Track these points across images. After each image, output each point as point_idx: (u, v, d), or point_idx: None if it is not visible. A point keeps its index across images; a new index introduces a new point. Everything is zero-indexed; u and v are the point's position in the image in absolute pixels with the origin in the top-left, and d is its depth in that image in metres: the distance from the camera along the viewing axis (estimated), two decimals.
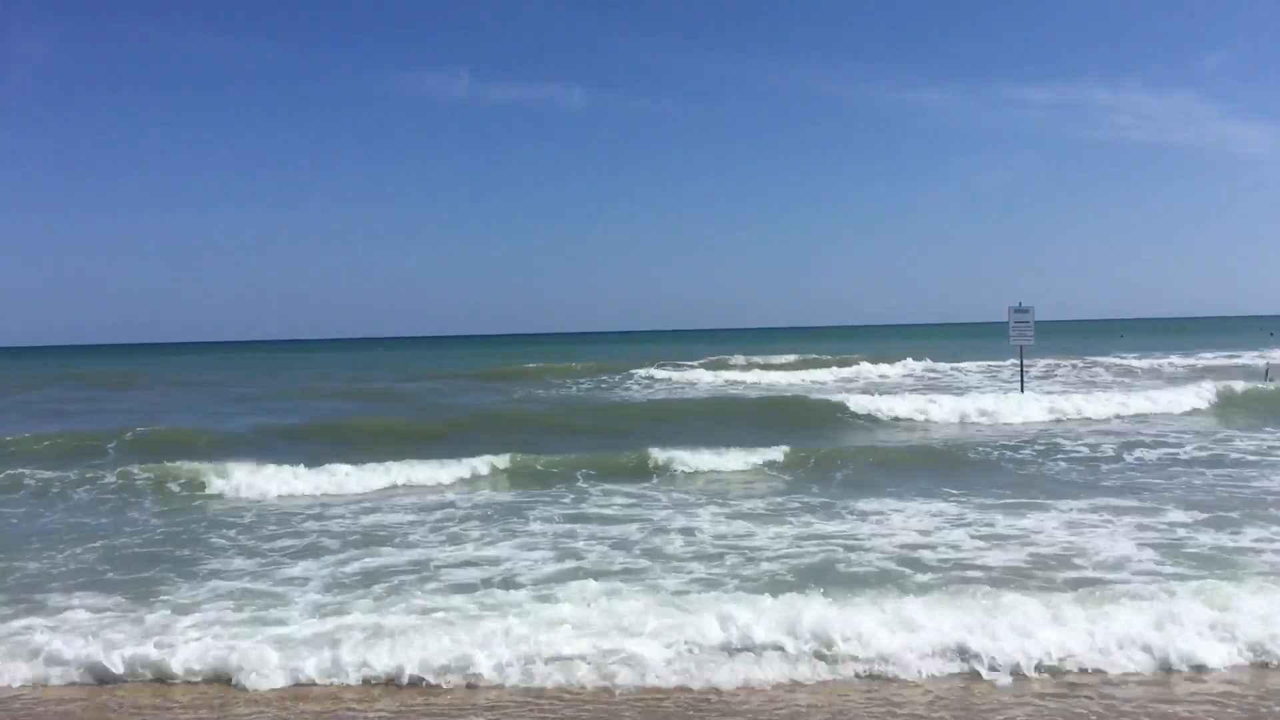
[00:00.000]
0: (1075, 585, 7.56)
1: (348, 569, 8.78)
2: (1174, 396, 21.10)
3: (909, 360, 37.45)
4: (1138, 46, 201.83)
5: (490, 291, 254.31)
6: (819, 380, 33.44)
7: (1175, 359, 37.71)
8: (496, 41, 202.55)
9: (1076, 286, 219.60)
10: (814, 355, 43.16)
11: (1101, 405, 20.51)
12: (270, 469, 13.54)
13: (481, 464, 13.96)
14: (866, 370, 35.61)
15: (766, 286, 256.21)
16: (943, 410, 20.23)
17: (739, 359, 43.45)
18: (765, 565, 8.54)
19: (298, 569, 8.84)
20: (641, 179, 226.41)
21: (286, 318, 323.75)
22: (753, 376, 35.09)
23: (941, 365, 36.66)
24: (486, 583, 8.13)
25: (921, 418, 20.02)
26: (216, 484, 13.13)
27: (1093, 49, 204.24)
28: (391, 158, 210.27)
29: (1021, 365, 25.14)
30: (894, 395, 22.69)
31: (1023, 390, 23.30)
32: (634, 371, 37.10)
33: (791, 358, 42.20)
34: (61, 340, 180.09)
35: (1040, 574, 8.06)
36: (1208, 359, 38.40)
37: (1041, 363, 35.42)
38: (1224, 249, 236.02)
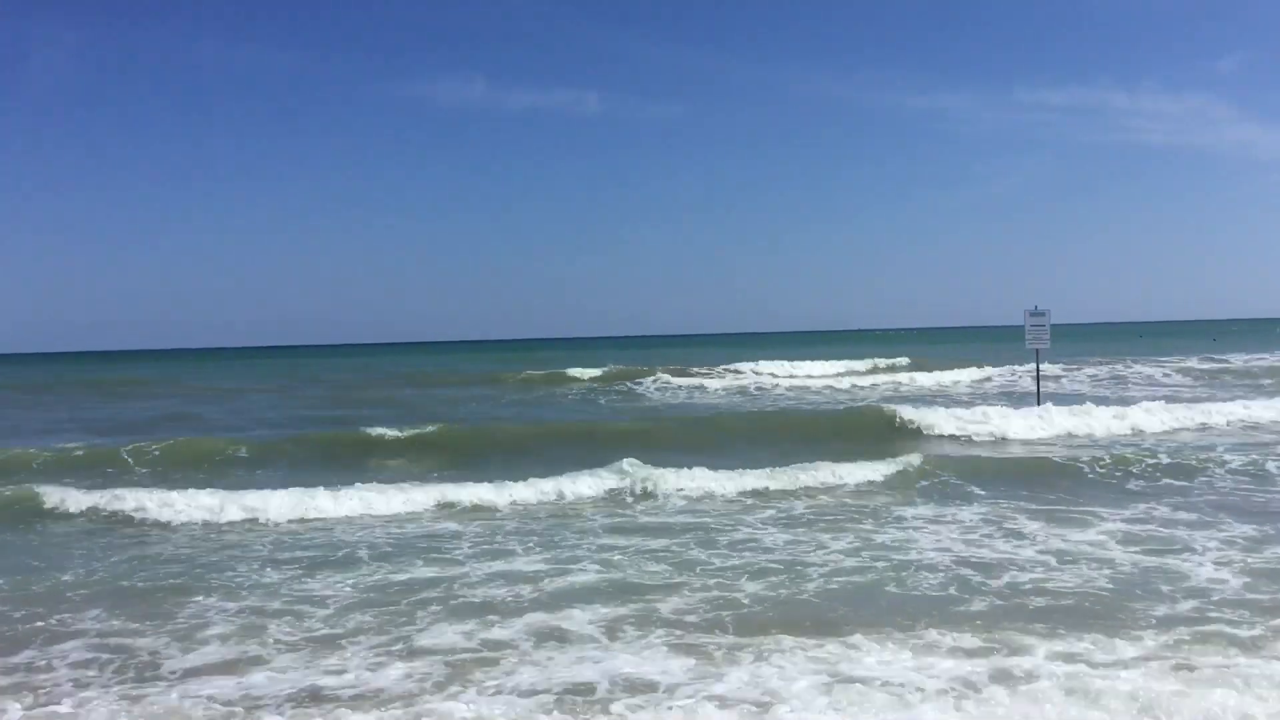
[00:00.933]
0: None
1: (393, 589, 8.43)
2: None
3: (986, 367, 35.45)
4: (1154, 49, 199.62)
5: (505, 296, 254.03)
6: (877, 386, 32.05)
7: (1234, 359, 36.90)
8: (511, 47, 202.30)
9: (1093, 290, 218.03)
10: (860, 362, 41.01)
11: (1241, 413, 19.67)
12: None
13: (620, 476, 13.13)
14: (920, 378, 33.76)
15: (781, 291, 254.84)
16: (1069, 420, 18.75)
17: (783, 365, 40.53)
18: (807, 584, 8.05)
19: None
20: (656, 183, 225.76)
21: (300, 323, 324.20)
22: (813, 383, 33.71)
23: (1000, 370, 34.92)
24: (497, 603, 7.76)
25: (1044, 433, 18.39)
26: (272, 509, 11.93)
27: (1109, 52, 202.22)
28: (406, 163, 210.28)
29: (1038, 372, 24.35)
30: (983, 407, 20.89)
31: (1039, 402, 22.61)
32: (658, 378, 35.83)
33: (840, 365, 40.21)
34: (71, 346, 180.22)
35: None
36: (1246, 360, 37.82)
37: (1077, 365, 34.73)
38: (1242, 252, 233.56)
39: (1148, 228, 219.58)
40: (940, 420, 19.53)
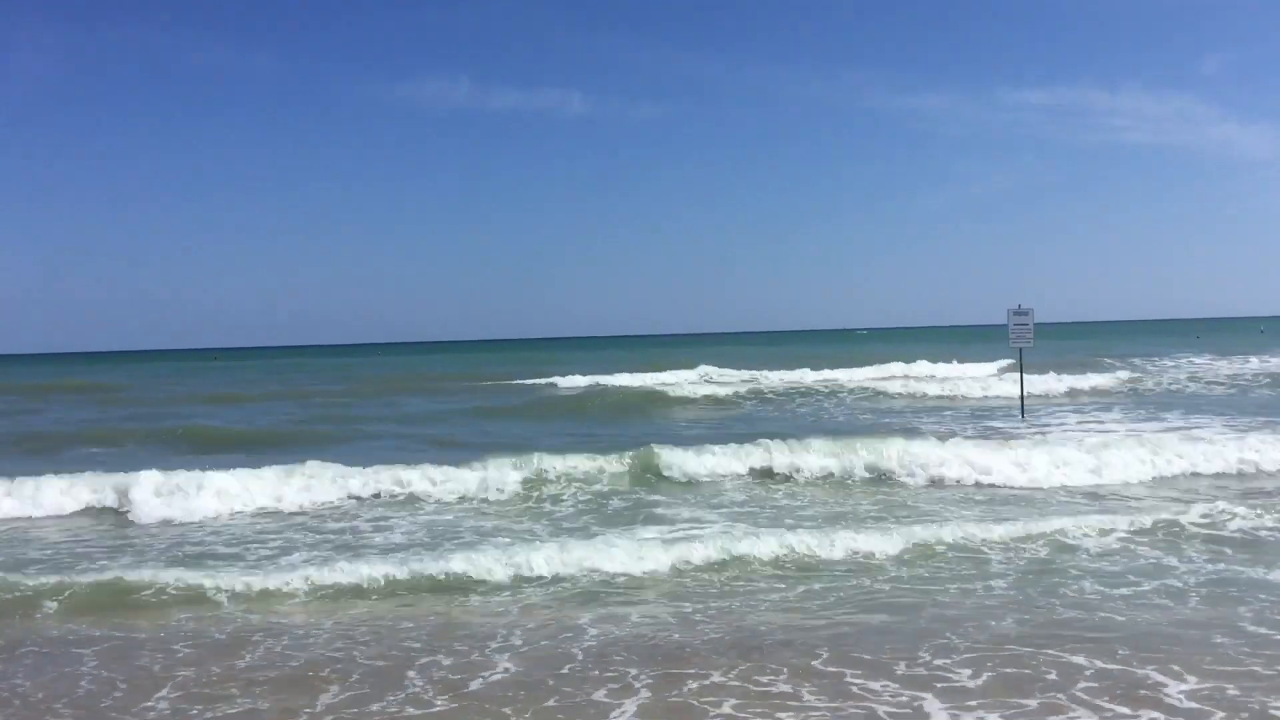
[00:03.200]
0: None
1: None
2: None
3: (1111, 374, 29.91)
4: (1136, 49, 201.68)
5: (490, 297, 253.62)
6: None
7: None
8: (496, 48, 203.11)
9: (1077, 289, 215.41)
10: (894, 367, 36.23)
11: None
12: None
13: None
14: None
15: (765, 291, 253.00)
16: None
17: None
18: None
19: None
20: (640, 184, 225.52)
21: (283, 324, 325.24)
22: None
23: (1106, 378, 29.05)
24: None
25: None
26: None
27: (1091, 52, 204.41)
28: (392, 164, 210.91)
29: (1021, 378, 22.46)
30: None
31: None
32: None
33: (872, 371, 35.75)
34: (57, 348, 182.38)
35: None
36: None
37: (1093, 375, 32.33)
38: (1224, 251, 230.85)
39: (1129, 227, 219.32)
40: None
